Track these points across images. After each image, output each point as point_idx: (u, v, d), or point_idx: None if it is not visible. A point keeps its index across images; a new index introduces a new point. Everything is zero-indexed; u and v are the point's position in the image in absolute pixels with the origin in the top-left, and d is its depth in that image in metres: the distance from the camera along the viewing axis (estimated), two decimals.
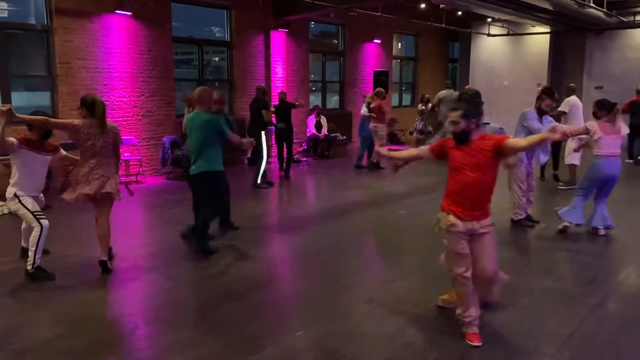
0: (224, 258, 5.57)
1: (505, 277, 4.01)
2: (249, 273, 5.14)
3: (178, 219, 7.14)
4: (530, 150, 5.86)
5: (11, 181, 4.90)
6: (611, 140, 6.00)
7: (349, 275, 5.10)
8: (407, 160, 4.22)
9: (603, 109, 6.10)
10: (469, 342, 3.67)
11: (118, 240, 5.81)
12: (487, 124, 4.25)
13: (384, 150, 4.22)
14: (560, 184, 9.25)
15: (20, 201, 4.84)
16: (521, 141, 3.76)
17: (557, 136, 3.53)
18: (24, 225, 5.25)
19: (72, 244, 5.86)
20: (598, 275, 5.12)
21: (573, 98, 9.44)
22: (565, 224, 6.37)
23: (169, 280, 4.93)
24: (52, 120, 5.14)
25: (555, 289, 4.76)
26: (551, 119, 6.74)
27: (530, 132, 6.37)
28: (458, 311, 3.78)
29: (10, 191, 4.87)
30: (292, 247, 6.22)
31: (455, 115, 3.60)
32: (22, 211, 4.86)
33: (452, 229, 3.64)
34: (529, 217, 6.78)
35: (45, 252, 5.13)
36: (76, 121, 4.96)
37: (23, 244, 5.32)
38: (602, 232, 6.27)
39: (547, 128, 6.40)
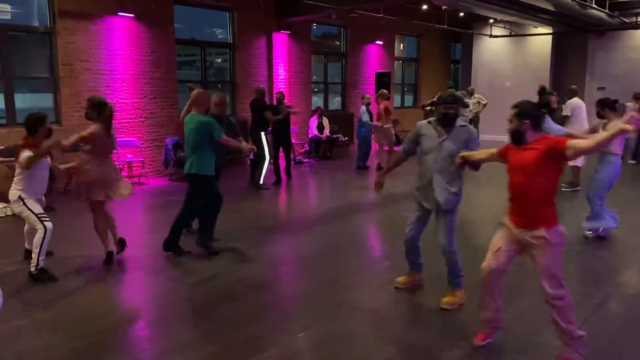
0: (225, 259, 5.59)
1: (582, 334, 3.44)
2: (250, 274, 5.15)
3: None
4: (597, 151, 4.89)
5: (16, 184, 4.91)
6: (620, 138, 5.98)
7: (350, 276, 5.10)
8: (479, 162, 3.88)
9: (606, 107, 6.06)
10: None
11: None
12: (464, 126, 4.20)
13: (466, 157, 3.85)
14: (564, 185, 9.23)
15: (24, 203, 4.86)
16: (584, 142, 3.25)
17: (632, 127, 3.07)
18: (26, 227, 5.27)
19: (75, 245, 5.88)
20: (600, 276, 5.12)
21: (575, 100, 9.41)
22: (588, 232, 6.24)
23: (171, 281, 4.94)
24: (76, 137, 5.21)
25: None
26: (551, 121, 6.72)
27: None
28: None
29: (14, 194, 4.88)
30: (294, 248, 6.23)
31: (511, 113, 3.45)
32: (26, 213, 4.88)
33: (501, 225, 3.61)
34: None
35: (50, 253, 5.16)
36: (93, 129, 5.10)
37: (27, 245, 5.34)
38: (602, 232, 6.25)
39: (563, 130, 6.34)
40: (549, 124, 6.47)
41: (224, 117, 6.23)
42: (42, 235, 4.83)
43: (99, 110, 5.13)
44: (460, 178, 4.27)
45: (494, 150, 3.74)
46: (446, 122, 4.19)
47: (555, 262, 3.35)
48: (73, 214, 6.88)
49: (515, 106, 3.47)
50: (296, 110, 10.93)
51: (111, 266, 5.32)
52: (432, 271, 4.73)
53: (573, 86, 9.86)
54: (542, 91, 6.52)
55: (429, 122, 4.32)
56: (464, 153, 3.89)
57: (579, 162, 8.89)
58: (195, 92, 5.77)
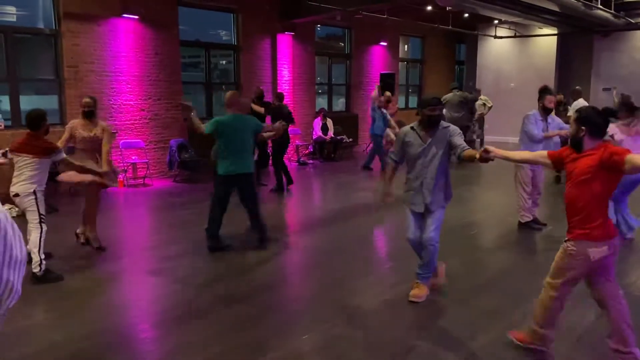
0: (230, 260, 5.58)
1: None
2: (255, 275, 5.14)
3: (185, 222, 7.17)
4: None
5: (29, 179, 4.90)
6: (633, 141, 5.91)
7: (356, 278, 5.09)
8: (519, 162, 3.80)
9: (624, 109, 5.99)
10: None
11: (124, 242, 5.84)
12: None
13: (496, 151, 3.70)
14: None
15: (36, 199, 4.91)
16: None
17: None
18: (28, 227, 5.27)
19: (79, 246, 5.88)
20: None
21: (580, 102, 9.38)
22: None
23: (175, 283, 4.94)
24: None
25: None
26: (559, 119, 6.64)
27: (529, 138, 6.32)
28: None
29: (29, 187, 4.88)
30: (299, 249, 6.21)
31: (572, 119, 3.36)
32: (33, 209, 4.91)
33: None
34: (535, 220, 6.72)
35: (48, 255, 5.19)
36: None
37: (29, 248, 5.32)
38: (629, 235, 6.13)
39: (552, 131, 6.35)
40: (553, 119, 6.49)
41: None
42: (39, 235, 4.88)
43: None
44: (448, 177, 4.35)
45: (544, 152, 3.61)
46: (431, 125, 4.19)
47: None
48: (77, 216, 6.88)
49: (577, 111, 3.36)
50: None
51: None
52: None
53: (577, 87, 9.81)
54: (543, 90, 6.46)
55: (412, 128, 4.31)
56: (489, 147, 3.78)
57: None
58: (228, 94, 6.07)
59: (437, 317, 4.18)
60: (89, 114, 5.71)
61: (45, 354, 3.65)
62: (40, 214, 4.91)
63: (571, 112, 9.23)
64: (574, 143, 3.29)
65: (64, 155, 5.06)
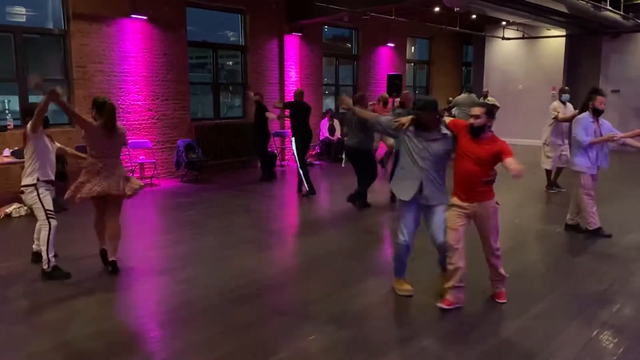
0: (237, 261, 5.58)
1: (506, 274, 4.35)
2: (262, 276, 5.14)
3: (192, 222, 7.19)
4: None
5: (30, 172, 4.93)
6: None
7: (363, 279, 5.07)
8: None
9: None
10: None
11: (131, 242, 5.85)
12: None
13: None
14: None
15: (38, 195, 4.90)
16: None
17: None
18: (38, 224, 5.30)
19: (87, 246, 5.88)
20: (616, 280, 5.04)
21: None
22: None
23: (182, 283, 4.94)
24: (75, 112, 5.18)
25: (574, 293, 4.71)
26: (609, 123, 6.30)
27: (577, 143, 6.11)
28: None
29: (30, 180, 4.90)
30: (305, 250, 6.21)
31: (478, 110, 4.00)
32: (38, 205, 4.92)
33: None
34: (601, 228, 6.37)
35: (54, 255, 5.20)
36: (91, 120, 5.06)
37: (34, 247, 5.36)
38: None
39: (600, 137, 6.11)
40: (604, 122, 6.22)
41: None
42: (47, 232, 4.89)
43: (97, 109, 5.03)
44: (444, 178, 4.34)
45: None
46: (425, 128, 4.17)
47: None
48: (85, 215, 6.89)
49: (482, 105, 4.14)
50: (272, 115, 10.39)
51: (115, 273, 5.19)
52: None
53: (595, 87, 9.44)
54: (593, 91, 6.28)
55: (413, 121, 4.25)
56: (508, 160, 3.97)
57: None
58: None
59: (445, 319, 4.16)
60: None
61: (53, 352, 3.66)
62: (46, 210, 4.92)
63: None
64: (478, 130, 4.12)
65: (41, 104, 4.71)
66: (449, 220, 4.23)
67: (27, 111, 5.12)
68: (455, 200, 4.23)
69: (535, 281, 5.04)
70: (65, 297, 4.63)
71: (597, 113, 6.17)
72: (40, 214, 4.94)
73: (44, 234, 4.90)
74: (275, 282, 5.03)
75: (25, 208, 7.36)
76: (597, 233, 6.31)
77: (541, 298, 4.55)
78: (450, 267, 4.21)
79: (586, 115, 6.19)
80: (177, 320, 4.19)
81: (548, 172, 9.23)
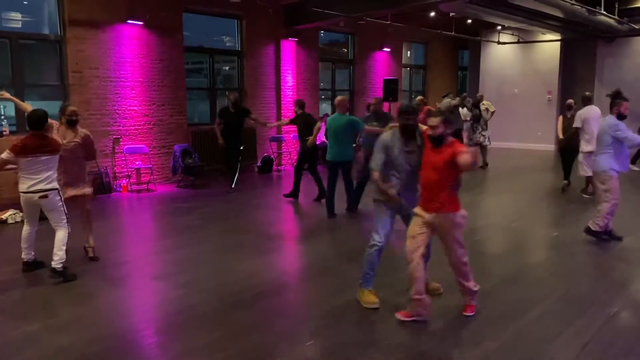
0: (235, 266, 5.57)
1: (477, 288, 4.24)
2: (260, 281, 5.12)
3: (188, 227, 7.17)
4: None
5: (48, 178, 5.01)
6: None
7: (359, 284, 5.05)
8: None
9: None
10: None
11: (129, 248, 5.84)
12: None
13: None
14: (587, 193, 8.98)
15: (61, 198, 5.14)
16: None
17: None
18: (26, 231, 5.28)
19: (82, 251, 5.86)
20: (614, 284, 5.06)
21: (591, 108, 8.86)
22: None
23: (180, 288, 4.92)
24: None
25: (572, 296, 4.71)
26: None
27: (621, 143, 6.01)
28: None
29: (55, 185, 5.07)
30: (303, 254, 6.20)
31: (435, 120, 3.95)
32: (61, 208, 5.14)
33: None
34: (611, 231, 6.34)
35: (41, 264, 5.31)
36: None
37: (24, 256, 5.31)
38: None
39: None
40: (628, 133, 6.08)
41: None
42: (67, 233, 5.12)
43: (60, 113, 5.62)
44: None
45: None
46: (406, 133, 4.22)
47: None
48: (78, 220, 6.89)
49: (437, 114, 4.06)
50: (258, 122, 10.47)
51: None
52: (445, 279, 4.68)
53: (588, 93, 9.27)
54: (617, 95, 6.22)
55: (392, 133, 4.30)
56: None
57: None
58: (338, 98, 7.61)
59: (443, 323, 4.15)
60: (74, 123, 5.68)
61: (51, 358, 3.64)
62: (65, 213, 5.15)
63: (577, 119, 8.73)
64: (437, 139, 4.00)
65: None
66: (410, 228, 4.20)
67: (39, 118, 5.07)
68: (418, 209, 4.17)
69: (532, 285, 5.04)
70: (63, 303, 4.61)
71: (621, 118, 6.09)
72: (61, 217, 5.13)
73: (63, 234, 5.10)
74: (273, 287, 5.01)
75: (21, 215, 7.32)
76: (597, 236, 6.26)
77: (538, 302, 4.55)
78: (406, 277, 4.15)
79: (615, 118, 6.09)
80: (176, 325, 4.18)
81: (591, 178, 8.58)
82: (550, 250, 6.31)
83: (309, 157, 8.98)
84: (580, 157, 8.68)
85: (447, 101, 12.35)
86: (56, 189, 5.08)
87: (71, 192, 5.53)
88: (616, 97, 6.13)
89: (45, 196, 4.99)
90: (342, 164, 7.59)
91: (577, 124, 8.63)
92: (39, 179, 4.96)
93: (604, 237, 6.28)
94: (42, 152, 4.95)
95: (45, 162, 4.97)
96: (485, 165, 12.04)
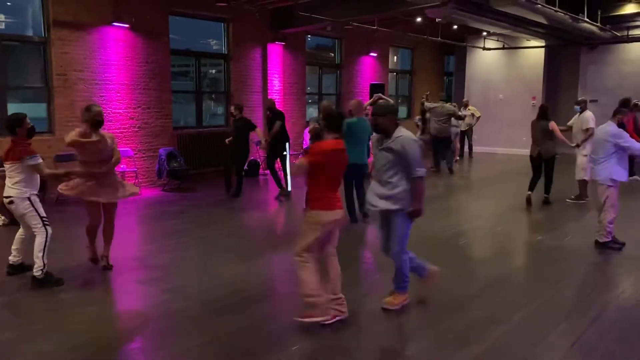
0: (221, 270, 5.54)
1: None
2: (247, 286, 5.10)
3: (174, 231, 7.12)
4: None
5: (15, 184, 4.87)
6: None
7: (348, 288, 5.04)
8: None
9: None
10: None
11: (114, 251, 5.76)
12: None
13: None
14: (571, 197, 9.00)
15: (32, 204, 4.92)
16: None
17: None
18: (20, 233, 5.20)
19: (68, 255, 5.79)
20: (598, 287, 5.11)
21: (586, 114, 8.83)
22: None
23: (166, 293, 4.88)
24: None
25: (557, 300, 4.75)
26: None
27: (623, 151, 6.00)
28: None
29: (22, 192, 4.87)
30: (289, 259, 6.16)
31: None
32: (32, 213, 4.91)
33: None
34: (614, 239, 6.32)
35: (27, 268, 5.17)
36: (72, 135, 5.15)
37: (11, 258, 5.25)
38: None
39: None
40: (631, 142, 6.08)
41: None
42: (44, 239, 4.90)
43: (84, 113, 5.18)
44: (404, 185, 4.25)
45: None
46: (378, 132, 4.31)
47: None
48: (66, 224, 6.81)
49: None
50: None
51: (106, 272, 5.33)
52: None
53: (583, 98, 9.14)
54: (624, 103, 6.18)
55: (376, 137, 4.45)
56: None
57: (587, 176, 8.48)
58: (353, 102, 7.66)
59: (430, 327, 4.16)
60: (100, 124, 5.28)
61: None
62: (41, 217, 4.95)
63: (590, 121, 8.67)
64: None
65: (38, 161, 4.89)
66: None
67: (13, 122, 4.94)
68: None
69: (516, 289, 5.08)
70: (47, 309, 4.55)
71: (622, 127, 6.10)
72: (35, 222, 4.94)
73: (40, 240, 4.90)
74: (259, 292, 4.99)
75: (3, 219, 7.22)
76: (608, 246, 6.20)
77: (523, 305, 4.58)
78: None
79: (616, 126, 6.09)
80: (161, 330, 4.14)
81: (583, 182, 8.72)
82: (535, 253, 6.36)
83: (273, 153, 9.43)
84: (582, 160, 8.62)
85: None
86: (25, 197, 4.87)
87: (92, 197, 5.19)
88: (623, 106, 6.10)
89: (11, 202, 4.92)
90: (362, 167, 7.41)
91: (590, 124, 8.55)
92: (9, 183, 4.91)
93: (617, 246, 6.21)
94: (9, 159, 4.88)
95: (16, 169, 4.88)
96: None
